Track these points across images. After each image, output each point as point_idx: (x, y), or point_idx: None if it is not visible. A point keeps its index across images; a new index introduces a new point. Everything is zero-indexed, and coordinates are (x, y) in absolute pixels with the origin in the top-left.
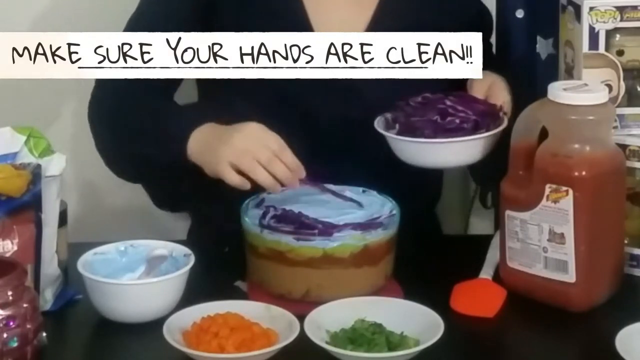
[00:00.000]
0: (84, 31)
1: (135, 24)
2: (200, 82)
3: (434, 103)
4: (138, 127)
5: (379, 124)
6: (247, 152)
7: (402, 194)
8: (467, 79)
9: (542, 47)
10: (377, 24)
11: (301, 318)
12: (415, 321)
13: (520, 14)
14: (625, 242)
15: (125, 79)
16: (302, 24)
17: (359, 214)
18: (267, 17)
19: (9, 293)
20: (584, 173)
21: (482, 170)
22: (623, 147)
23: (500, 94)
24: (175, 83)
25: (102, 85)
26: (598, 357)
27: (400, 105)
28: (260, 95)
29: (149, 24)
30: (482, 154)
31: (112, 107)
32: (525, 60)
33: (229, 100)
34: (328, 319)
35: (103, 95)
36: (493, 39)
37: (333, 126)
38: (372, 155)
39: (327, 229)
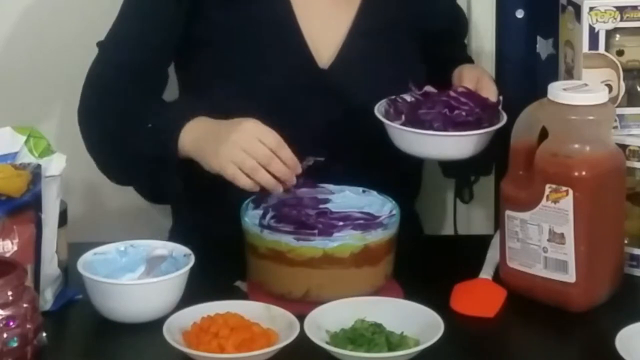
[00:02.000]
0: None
1: (120, 26)
2: (183, 81)
3: (437, 96)
4: (127, 122)
5: (380, 112)
6: (246, 152)
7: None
8: (449, 74)
9: (542, 47)
10: (360, 22)
11: (301, 318)
12: (415, 321)
13: (520, 14)
14: (625, 242)
15: (114, 76)
16: (288, 18)
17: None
18: (253, 8)
19: (9, 293)
20: (584, 173)
21: (460, 165)
22: (623, 147)
23: (490, 87)
24: (163, 83)
25: (90, 84)
26: (598, 357)
27: (402, 97)
28: (251, 99)
29: (130, 26)
30: (483, 147)
31: (101, 104)
32: (525, 60)
33: (220, 96)
34: (328, 319)
35: (91, 93)
36: (492, 39)
37: (316, 129)
38: (348, 155)
39: (327, 229)
